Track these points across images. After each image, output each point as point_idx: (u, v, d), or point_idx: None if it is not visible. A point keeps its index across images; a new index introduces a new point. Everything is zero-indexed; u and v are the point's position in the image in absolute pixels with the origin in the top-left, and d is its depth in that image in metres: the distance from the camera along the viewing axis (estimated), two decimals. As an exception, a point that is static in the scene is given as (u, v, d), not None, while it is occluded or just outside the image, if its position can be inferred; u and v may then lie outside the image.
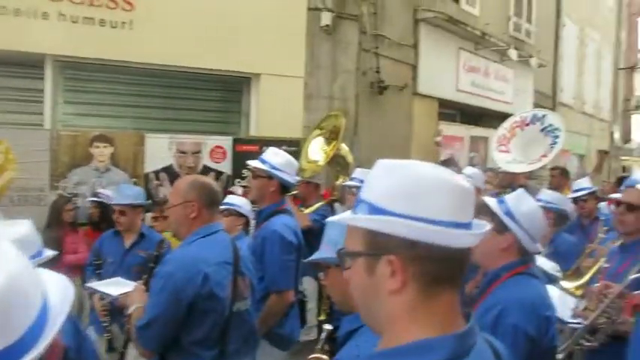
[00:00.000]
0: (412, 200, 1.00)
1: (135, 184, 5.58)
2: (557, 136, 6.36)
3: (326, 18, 7.00)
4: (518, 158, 6.37)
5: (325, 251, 1.78)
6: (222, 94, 7.16)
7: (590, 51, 17.00)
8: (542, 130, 6.45)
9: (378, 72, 7.65)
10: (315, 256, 1.82)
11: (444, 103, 9.64)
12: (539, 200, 4.51)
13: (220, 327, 2.57)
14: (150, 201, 5.02)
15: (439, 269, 1.02)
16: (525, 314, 2.09)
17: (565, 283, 3.82)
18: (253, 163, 3.38)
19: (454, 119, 10.78)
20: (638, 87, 25.20)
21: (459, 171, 7.59)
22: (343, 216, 1.13)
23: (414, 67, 8.62)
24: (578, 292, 3.60)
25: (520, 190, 2.48)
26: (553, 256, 4.26)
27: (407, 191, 1.01)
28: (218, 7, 6.51)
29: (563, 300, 3.30)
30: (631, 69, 21.53)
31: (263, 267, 3.22)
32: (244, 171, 6.00)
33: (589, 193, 5.42)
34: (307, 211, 4.99)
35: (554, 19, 14.15)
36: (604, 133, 19.53)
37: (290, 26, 6.91)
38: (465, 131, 10.49)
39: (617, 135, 21.08)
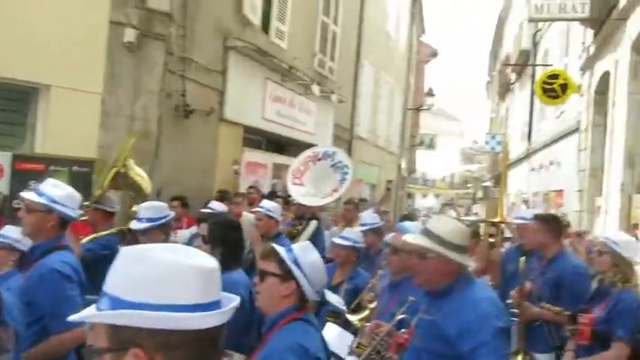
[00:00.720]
0: (151, 288, 1.00)
1: None
2: (346, 173, 6.84)
3: (129, 34, 6.68)
4: (312, 191, 6.70)
5: None
6: (4, 104, 6.38)
7: (384, 92, 18.80)
8: (333, 165, 6.88)
9: (183, 95, 7.51)
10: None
11: (249, 130, 9.81)
12: (343, 238, 4.76)
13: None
14: None
15: (187, 353, 1.03)
16: (300, 357, 2.20)
17: (350, 316, 4.11)
18: (28, 196, 3.04)
19: (259, 146, 11.03)
20: (422, 125, 28.55)
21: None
22: (86, 313, 1.08)
23: (222, 93, 8.65)
24: (360, 325, 3.90)
25: (307, 242, 2.61)
26: (354, 290, 4.52)
27: (146, 280, 1.01)
28: (6, 11, 5.84)
29: (342, 337, 3.54)
30: (417, 110, 24.30)
31: (38, 310, 2.89)
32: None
33: (371, 229, 5.91)
34: (86, 239, 4.62)
35: (354, 59, 15.38)
36: (393, 165, 21.67)
37: (89, 38, 6.46)
38: (268, 158, 10.79)
39: (403, 166, 23.55)
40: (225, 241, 3.38)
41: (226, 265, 3.35)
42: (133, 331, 0.99)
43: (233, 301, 1.14)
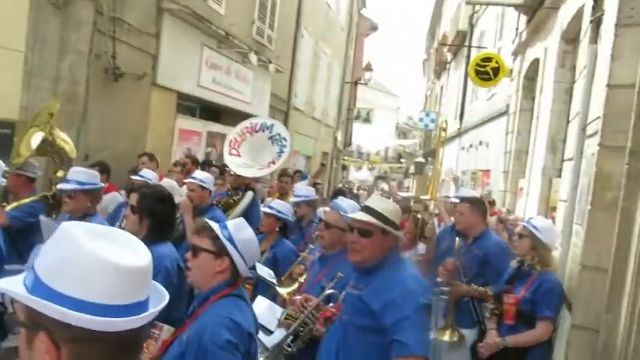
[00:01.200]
0: (71, 280, 0.98)
1: None
2: (284, 146, 6.83)
3: (56, -10, 6.29)
4: (249, 163, 6.65)
5: None
6: None
7: (322, 63, 18.73)
8: (270, 138, 6.85)
9: (114, 57, 7.18)
10: None
11: (183, 97, 9.55)
12: (270, 207, 4.80)
13: None
14: None
15: (94, 351, 1.01)
16: (231, 330, 2.22)
17: (280, 289, 4.14)
18: None
19: (193, 114, 10.77)
20: (360, 99, 28.73)
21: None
22: (5, 285, 1.03)
23: (155, 57, 8.33)
24: (289, 297, 3.94)
25: (241, 219, 2.60)
26: (273, 259, 4.59)
27: (66, 269, 0.98)
28: None
29: (271, 309, 3.58)
30: (355, 83, 24.40)
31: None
32: None
33: (305, 201, 5.97)
34: (9, 207, 4.41)
35: (293, 29, 15.19)
36: (329, 137, 21.77)
37: (10, -8, 6.03)
38: (203, 126, 10.58)
39: (339, 139, 23.71)
40: (154, 213, 3.31)
41: (154, 237, 3.29)
42: (44, 316, 0.97)
43: (161, 301, 1.14)
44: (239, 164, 6.62)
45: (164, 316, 2.76)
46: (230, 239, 2.38)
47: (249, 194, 6.27)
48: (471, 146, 15.82)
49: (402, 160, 46.09)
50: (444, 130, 7.72)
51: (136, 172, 5.91)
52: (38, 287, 0.98)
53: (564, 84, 7.32)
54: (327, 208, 4.17)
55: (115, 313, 0.99)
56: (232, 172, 6.65)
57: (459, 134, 18.19)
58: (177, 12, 8.50)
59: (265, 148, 6.77)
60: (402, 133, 56.59)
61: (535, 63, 9.11)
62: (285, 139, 6.82)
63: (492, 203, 8.25)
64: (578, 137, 4.78)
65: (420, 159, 28.79)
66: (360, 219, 2.79)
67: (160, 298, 1.15)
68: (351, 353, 2.71)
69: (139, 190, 3.42)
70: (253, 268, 4.39)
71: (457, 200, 5.40)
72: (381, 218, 2.73)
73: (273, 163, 6.72)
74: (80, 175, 4.08)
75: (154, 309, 1.10)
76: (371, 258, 2.77)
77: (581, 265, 3.74)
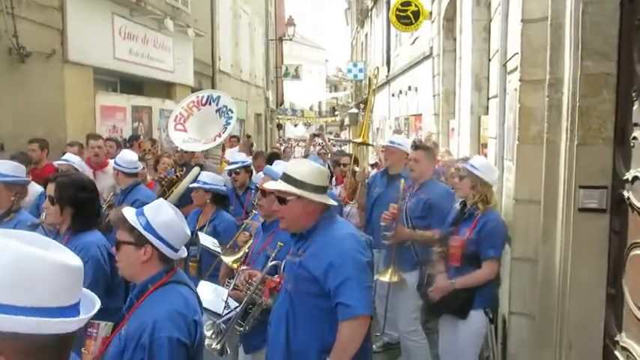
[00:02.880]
0: (9, 288, 0.95)
1: None
2: (230, 117, 6.74)
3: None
4: (195, 137, 6.53)
5: None
6: None
7: (243, 22, 18.22)
8: (217, 110, 6.74)
9: (15, 36, 6.67)
10: None
11: (100, 72, 9.06)
12: (198, 182, 4.71)
13: None
14: None
15: (42, 358, 1.00)
16: (175, 324, 2.15)
17: (225, 258, 4.09)
18: None
19: (114, 89, 10.27)
20: (287, 56, 28.30)
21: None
22: None
23: (62, 32, 7.80)
24: (236, 266, 3.90)
25: (159, 201, 2.49)
26: (213, 233, 4.52)
27: (5, 278, 0.96)
28: None
29: (217, 292, 3.52)
30: (280, 40, 23.98)
31: None
32: None
33: (242, 167, 5.88)
34: None
35: (209, -11, 14.61)
36: (260, 98, 21.45)
37: None
38: (126, 101, 10.12)
39: (271, 99, 23.41)
40: (75, 201, 3.13)
41: (79, 227, 3.13)
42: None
43: (94, 304, 1.14)
44: (185, 139, 6.51)
45: (100, 308, 2.66)
46: (147, 226, 2.27)
47: (195, 170, 6.12)
48: (400, 92, 15.97)
49: (335, 112, 46.24)
50: (376, 77, 7.75)
51: None
52: None
53: (482, 22, 7.41)
54: (262, 174, 4.11)
55: (61, 315, 0.99)
56: (179, 149, 6.54)
57: (388, 82, 18.30)
58: (79, -19, 7.96)
59: (213, 122, 6.67)
60: (333, 86, 56.52)
61: (453, 2, 9.18)
62: (231, 111, 6.74)
63: (436, 145, 8.46)
64: (500, 74, 4.86)
65: (354, 110, 28.89)
66: (272, 188, 2.77)
67: (90, 304, 1.14)
68: (300, 321, 2.69)
69: (56, 180, 3.20)
70: (194, 244, 4.32)
71: (389, 144, 5.45)
72: (296, 183, 2.68)
73: (219, 136, 6.63)
74: (2, 167, 3.80)
75: (87, 314, 1.09)
76: (296, 223, 2.75)
77: (515, 200, 3.85)
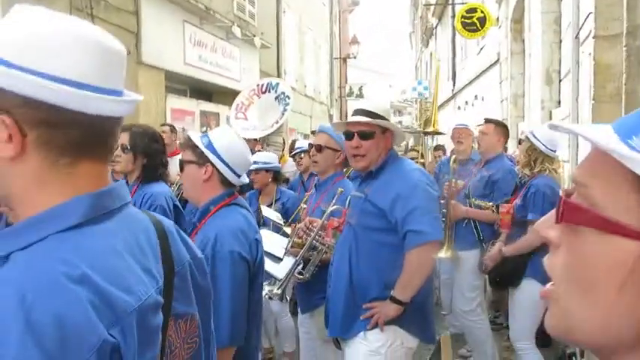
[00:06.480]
0: (40, 53, 0.85)
1: None
2: (287, 104, 6.85)
3: (27, -32, 6.15)
4: (255, 124, 6.68)
5: None
6: None
7: (308, 39, 18.58)
8: (277, 98, 6.86)
9: (95, 36, 7.05)
10: None
11: (171, 77, 9.42)
12: (254, 162, 4.72)
13: None
14: None
15: (68, 137, 0.89)
16: (237, 240, 2.14)
17: (287, 229, 4.09)
18: None
19: (184, 94, 10.65)
20: (350, 76, 28.54)
21: None
22: None
23: (137, 35, 8.20)
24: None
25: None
26: (282, 210, 4.53)
27: (36, 42, 0.85)
28: None
29: (274, 238, 3.52)
30: (344, 59, 24.23)
31: None
32: None
33: (304, 151, 5.92)
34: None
35: (274, 4, 15.02)
36: (324, 115, 21.65)
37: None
38: (195, 106, 10.46)
39: (335, 117, 23.57)
40: (148, 151, 3.22)
41: (148, 176, 3.22)
42: (7, 96, 0.84)
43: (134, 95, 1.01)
44: (245, 127, 6.64)
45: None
46: (209, 146, 2.29)
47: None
48: (466, 103, 15.71)
49: (399, 136, 45.97)
50: (439, 60, 7.65)
51: None
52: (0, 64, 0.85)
53: (552, 14, 7.22)
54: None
55: (94, 92, 0.88)
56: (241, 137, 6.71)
57: (453, 96, 18.06)
58: (154, -13, 8.37)
59: (272, 109, 6.78)
60: (397, 111, 56.36)
61: (520, 3, 9.03)
62: (288, 97, 6.84)
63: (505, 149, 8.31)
64: (573, 48, 4.69)
65: (418, 128, 28.63)
66: (359, 121, 2.72)
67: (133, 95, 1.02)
68: (363, 256, 2.64)
69: (131, 129, 3.30)
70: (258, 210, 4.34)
71: (462, 126, 5.30)
72: (377, 117, 2.66)
73: (277, 122, 6.74)
74: None
75: (134, 97, 0.99)
76: (376, 160, 2.71)
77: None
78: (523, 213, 3.62)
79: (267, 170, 4.67)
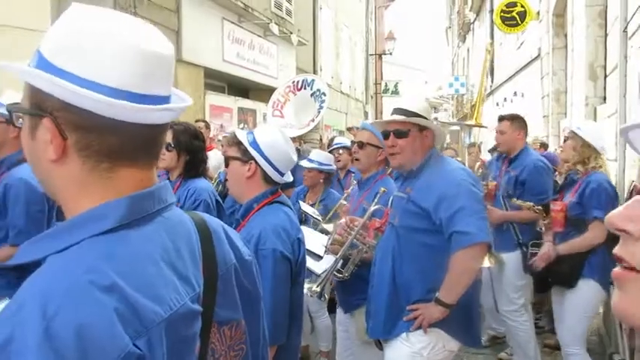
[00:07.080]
0: (84, 59, 0.84)
1: None
2: (323, 101, 6.78)
3: (74, -31, 6.31)
4: (292, 122, 6.65)
5: None
6: None
7: (344, 36, 18.53)
8: (312, 95, 6.81)
9: (137, 34, 7.20)
10: None
11: (210, 74, 9.54)
12: (309, 160, 4.71)
13: None
14: None
15: (107, 143, 0.88)
16: (280, 238, 2.15)
17: (326, 225, 4.09)
18: None
19: (222, 91, 10.77)
20: (386, 73, 28.36)
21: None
22: (13, 64, 0.90)
23: (177, 33, 8.33)
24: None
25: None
26: (324, 211, 4.52)
27: (79, 47, 0.84)
28: None
29: (314, 235, 3.52)
30: (380, 55, 24.09)
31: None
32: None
33: (344, 147, 5.90)
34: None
35: (311, 1, 15.02)
36: (359, 111, 21.58)
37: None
38: (233, 103, 10.57)
39: (370, 113, 23.47)
40: (190, 147, 3.28)
41: (191, 172, 3.27)
42: (51, 99, 0.85)
43: (183, 102, 0.98)
44: (282, 125, 6.63)
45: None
46: (253, 143, 2.30)
47: None
48: (505, 100, 15.39)
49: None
50: (489, 52, 7.48)
51: None
52: (44, 67, 0.85)
53: (596, 7, 7.00)
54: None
55: (133, 100, 0.86)
56: None
57: (492, 92, 17.73)
58: (194, -14, 8.49)
59: (309, 106, 6.74)
60: (433, 108, 55.70)
61: (563, -3, 8.79)
62: (324, 94, 6.76)
63: (546, 147, 8.09)
64: (621, 42, 4.54)
65: (455, 127, 28.25)
66: (393, 119, 2.70)
67: (181, 99, 0.98)
68: (406, 257, 2.61)
69: (173, 127, 3.36)
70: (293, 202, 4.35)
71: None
72: (413, 115, 2.64)
73: (313, 120, 6.70)
74: None
75: (179, 105, 0.95)
76: (412, 159, 2.68)
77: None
78: (579, 211, 3.52)
79: (319, 171, 4.65)
